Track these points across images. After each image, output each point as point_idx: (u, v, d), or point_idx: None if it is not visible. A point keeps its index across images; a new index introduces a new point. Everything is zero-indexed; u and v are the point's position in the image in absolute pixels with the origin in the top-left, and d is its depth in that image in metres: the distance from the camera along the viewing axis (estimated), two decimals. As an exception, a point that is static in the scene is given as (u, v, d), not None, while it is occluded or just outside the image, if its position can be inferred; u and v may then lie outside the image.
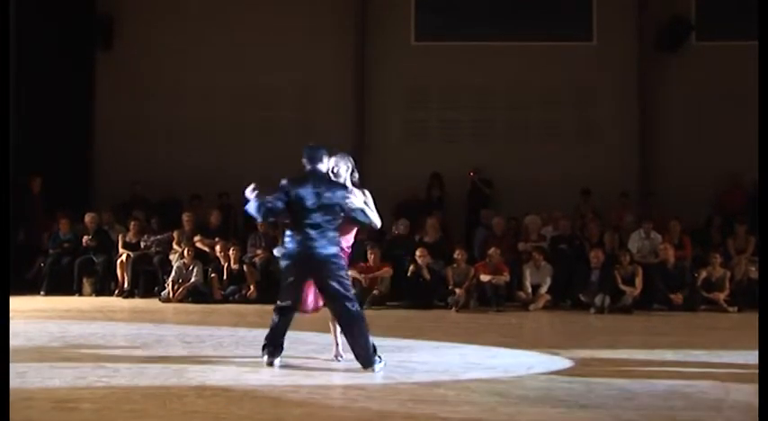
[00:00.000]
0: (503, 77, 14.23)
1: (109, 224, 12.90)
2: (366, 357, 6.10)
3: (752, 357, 7.04)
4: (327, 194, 6.08)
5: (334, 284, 6.09)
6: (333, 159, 6.30)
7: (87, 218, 12.71)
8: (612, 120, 14.28)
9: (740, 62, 13.78)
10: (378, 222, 6.30)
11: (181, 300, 11.46)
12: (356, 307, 6.18)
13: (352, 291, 6.24)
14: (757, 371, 6.17)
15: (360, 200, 6.17)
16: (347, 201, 6.08)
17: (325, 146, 6.32)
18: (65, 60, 13.68)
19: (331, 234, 6.07)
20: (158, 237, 12.50)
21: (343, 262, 6.19)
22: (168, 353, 6.84)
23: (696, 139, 14.03)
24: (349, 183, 6.28)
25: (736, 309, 11.19)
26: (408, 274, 11.34)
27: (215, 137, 14.23)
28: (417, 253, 11.41)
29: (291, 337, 7.85)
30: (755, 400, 5.23)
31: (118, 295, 12.05)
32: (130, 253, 12.26)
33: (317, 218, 6.06)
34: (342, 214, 6.10)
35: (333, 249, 6.07)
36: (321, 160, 6.17)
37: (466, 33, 14.18)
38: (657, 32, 14.01)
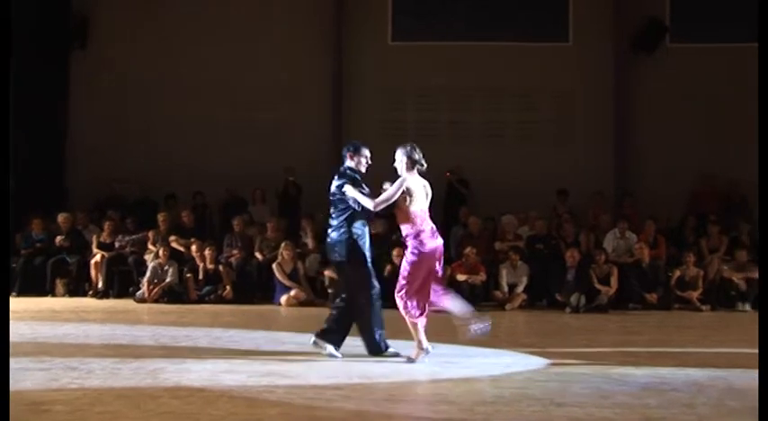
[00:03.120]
0: (480, 78, 14.23)
1: (83, 224, 12.78)
2: (371, 345, 6.60)
3: (723, 355, 7.18)
4: (331, 187, 6.70)
5: (336, 269, 6.75)
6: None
7: (61, 218, 12.59)
8: (588, 120, 14.33)
9: (714, 64, 13.93)
10: (368, 205, 6.55)
11: (156, 301, 11.39)
12: (359, 298, 6.53)
13: (354, 280, 6.60)
14: (731, 369, 6.32)
15: (353, 189, 6.58)
16: (342, 190, 6.58)
17: (357, 142, 6.92)
18: (39, 59, 13.52)
19: (335, 222, 6.65)
20: (133, 236, 12.41)
21: (352, 249, 6.54)
22: (143, 353, 6.78)
23: (671, 140, 14.10)
24: (403, 172, 6.55)
25: (708, 307, 11.30)
26: (385, 274, 11.30)
27: (191, 136, 14.11)
28: (394, 252, 11.37)
29: (267, 337, 7.93)
30: (728, 397, 5.35)
31: (92, 296, 11.96)
32: (105, 253, 12.16)
33: (331, 208, 6.75)
34: (346, 203, 6.61)
35: (336, 236, 6.63)
36: (345, 156, 6.80)
37: (443, 34, 14.20)
38: (633, 34, 14.08)
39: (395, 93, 14.38)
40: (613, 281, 11.18)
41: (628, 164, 14.15)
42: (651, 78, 14.14)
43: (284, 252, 11.51)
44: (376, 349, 6.63)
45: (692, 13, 14.05)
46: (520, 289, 11.39)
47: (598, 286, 11.10)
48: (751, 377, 5.91)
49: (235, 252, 12.06)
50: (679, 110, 14.11)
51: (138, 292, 11.58)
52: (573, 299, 10.93)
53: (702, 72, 14.00)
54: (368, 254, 6.68)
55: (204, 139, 14.14)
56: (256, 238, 12.28)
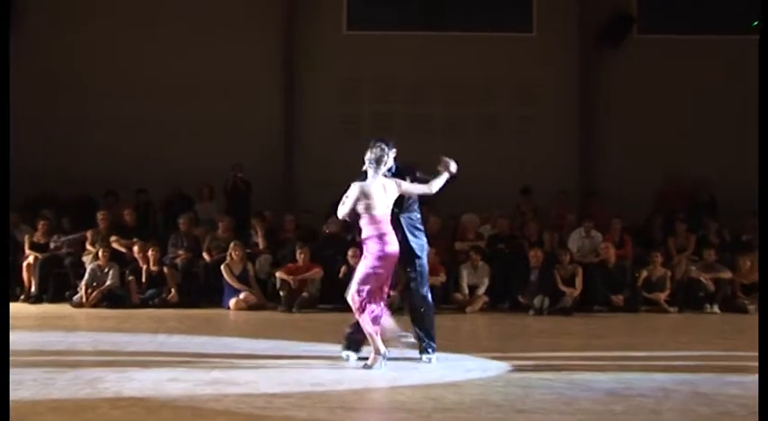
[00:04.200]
0: (439, 69, 13.95)
1: (14, 224, 12.21)
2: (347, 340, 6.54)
3: (691, 359, 7.22)
4: None
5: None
6: None
7: (-12, 217, 11.97)
8: (552, 115, 14.14)
9: (682, 56, 13.79)
10: (339, 215, 6.58)
11: (95, 305, 10.99)
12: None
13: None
14: (698, 373, 6.28)
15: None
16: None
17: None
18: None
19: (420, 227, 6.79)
20: (70, 237, 11.97)
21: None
22: (80, 362, 6.50)
23: (638, 136, 13.94)
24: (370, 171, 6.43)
25: (676, 309, 11.17)
26: (340, 276, 10.96)
27: (132, 131, 13.65)
28: (349, 253, 11.03)
29: (215, 343, 7.81)
30: (694, 402, 5.25)
31: (24, 300, 11.48)
32: (38, 254, 11.70)
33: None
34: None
35: (418, 245, 6.67)
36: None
37: (400, 22, 13.96)
38: (599, 25, 13.88)
39: (350, 84, 14.09)
40: (578, 281, 10.98)
41: (593, 161, 13.99)
42: (618, 71, 13.98)
43: (233, 252, 11.20)
44: (356, 348, 6.53)
45: (660, 3, 13.93)
46: (481, 290, 11.17)
47: (562, 287, 10.90)
48: (719, 381, 5.97)
49: (180, 252, 11.67)
50: (646, 105, 13.96)
51: (75, 297, 11.14)
52: (536, 301, 10.73)
53: (672, 65, 13.83)
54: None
55: (147, 134, 13.72)
56: (205, 238, 11.89)
